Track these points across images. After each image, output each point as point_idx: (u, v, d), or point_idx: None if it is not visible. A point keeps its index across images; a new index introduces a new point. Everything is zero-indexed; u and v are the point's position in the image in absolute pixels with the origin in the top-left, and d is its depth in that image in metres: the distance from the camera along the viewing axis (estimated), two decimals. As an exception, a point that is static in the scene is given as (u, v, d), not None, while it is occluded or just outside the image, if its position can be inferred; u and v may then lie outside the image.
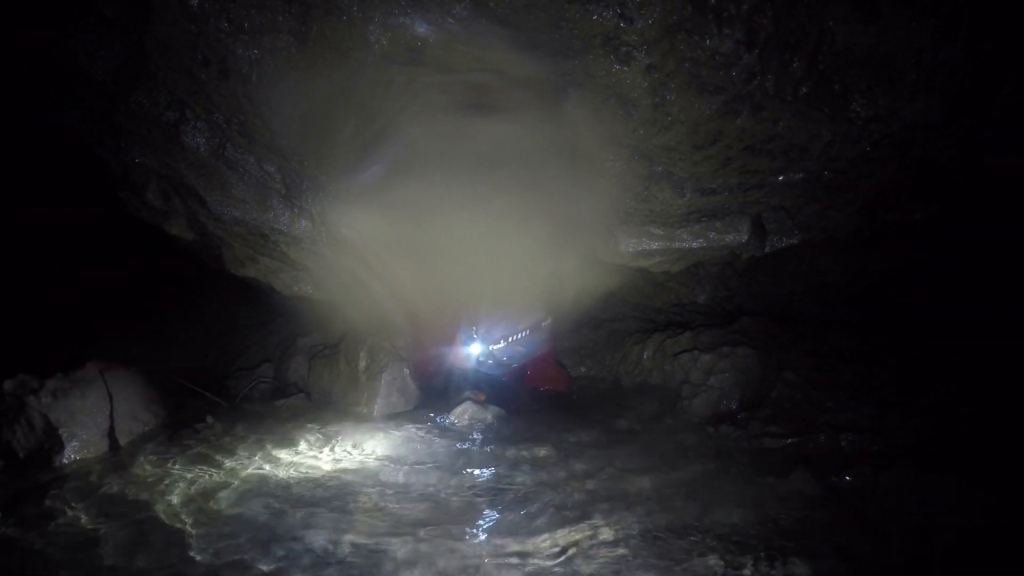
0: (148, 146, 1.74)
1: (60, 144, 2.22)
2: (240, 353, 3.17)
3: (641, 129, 1.47)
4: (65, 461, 1.83)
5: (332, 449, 1.95)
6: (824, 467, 1.61)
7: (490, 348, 2.74)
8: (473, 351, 2.77)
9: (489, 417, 2.44)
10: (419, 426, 2.27)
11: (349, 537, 1.38)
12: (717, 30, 1.31)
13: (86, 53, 1.72)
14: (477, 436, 2.21)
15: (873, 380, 1.97)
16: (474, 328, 2.73)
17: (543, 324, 2.75)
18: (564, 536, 1.38)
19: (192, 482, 1.68)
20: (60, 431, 1.87)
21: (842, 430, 1.79)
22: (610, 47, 1.33)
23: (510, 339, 2.71)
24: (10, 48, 1.79)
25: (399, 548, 1.33)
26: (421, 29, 1.35)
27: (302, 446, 1.98)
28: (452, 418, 2.42)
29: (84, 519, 1.47)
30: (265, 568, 1.27)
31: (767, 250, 1.91)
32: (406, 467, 1.78)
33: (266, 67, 1.46)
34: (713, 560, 1.25)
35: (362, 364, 2.45)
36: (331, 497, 1.60)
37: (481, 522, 1.46)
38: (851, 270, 2.43)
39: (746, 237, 1.81)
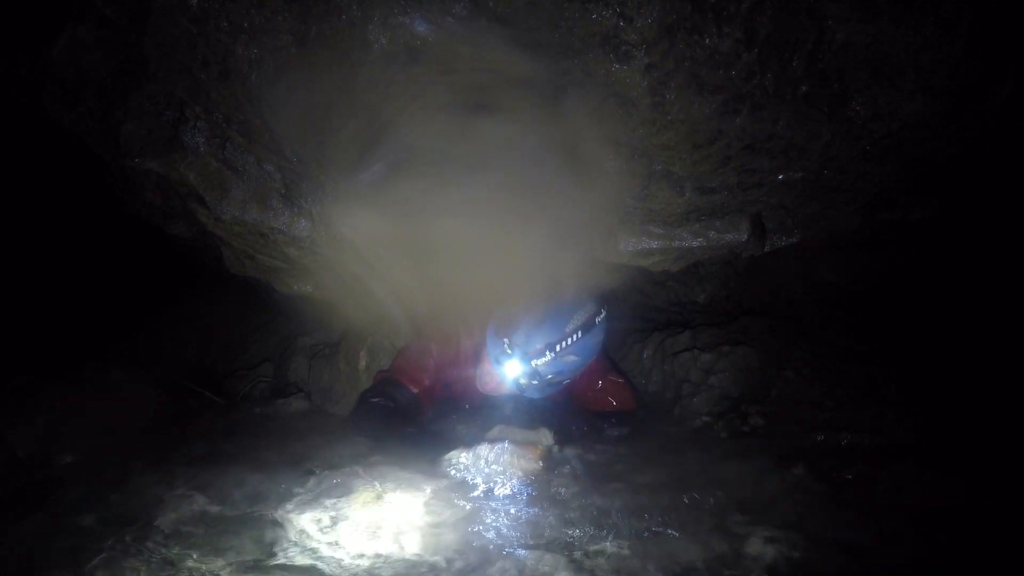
0: (147, 146, 1.74)
1: (60, 144, 2.22)
2: (240, 352, 3.17)
3: (640, 128, 1.47)
4: (66, 461, 1.83)
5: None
6: (824, 466, 1.61)
7: (533, 364, 1.94)
8: (510, 372, 1.98)
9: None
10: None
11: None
12: (716, 29, 1.30)
13: (86, 53, 1.72)
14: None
15: (873, 380, 1.97)
16: (506, 339, 1.96)
17: (597, 320, 1.98)
18: (564, 541, 1.38)
19: (190, 481, 1.68)
20: (60, 431, 1.87)
21: (842, 429, 1.79)
22: (609, 46, 1.33)
23: (558, 348, 1.92)
24: (10, 48, 1.79)
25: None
26: (421, 28, 1.35)
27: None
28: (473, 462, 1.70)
29: (84, 519, 1.47)
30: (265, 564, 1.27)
31: (767, 249, 1.91)
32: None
33: (266, 67, 1.46)
34: (712, 558, 1.25)
35: (362, 364, 2.45)
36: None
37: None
38: (851, 269, 2.43)
39: (746, 236, 1.81)
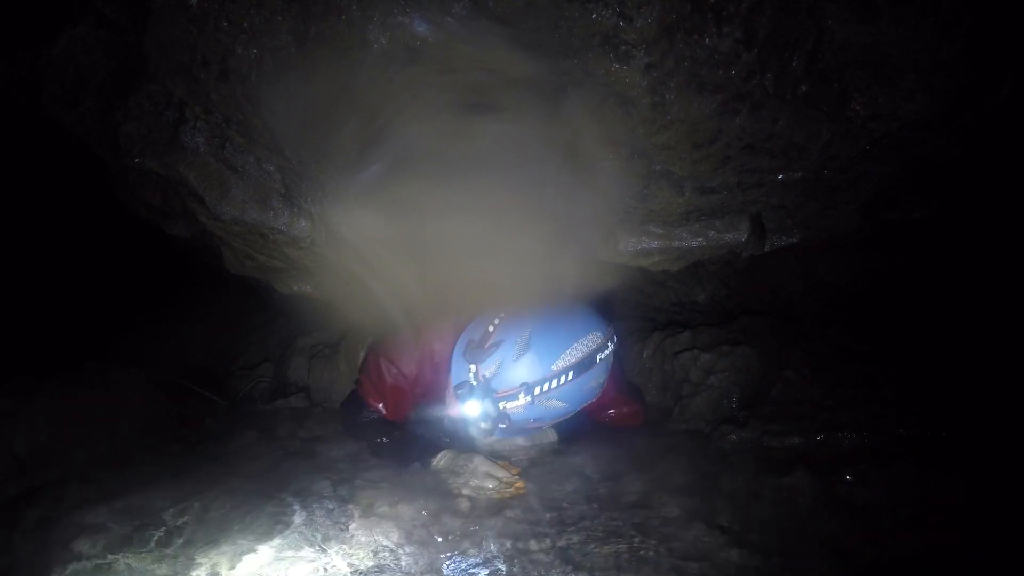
0: (147, 146, 1.74)
1: (60, 144, 2.22)
2: (240, 353, 3.17)
3: (640, 128, 1.47)
4: (65, 462, 1.83)
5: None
6: (824, 465, 1.61)
7: (501, 407, 1.59)
8: (470, 411, 1.65)
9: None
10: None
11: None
12: (716, 29, 1.30)
13: (86, 53, 1.72)
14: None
15: (873, 379, 1.97)
16: (473, 365, 1.64)
17: (599, 356, 1.62)
18: (556, 536, 1.37)
19: (190, 482, 1.68)
20: (60, 431, 1.87)
21: (842, 429, 1.79)
22: (609, 46, 1.33)
23: (538, 391, 1.56)
24: (10, 48, 1.79)
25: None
26: (420, 28, 1.35)
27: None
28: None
29: (84, 519, 1.47)
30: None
31: (767, 249, 1.91)
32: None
33: (265, 67, 1.46)
34: (712, 558, 1.24)
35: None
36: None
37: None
38: (851, 269, 2.43)
39: (746, 236, 1.80)
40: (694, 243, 1.82)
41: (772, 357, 2.13)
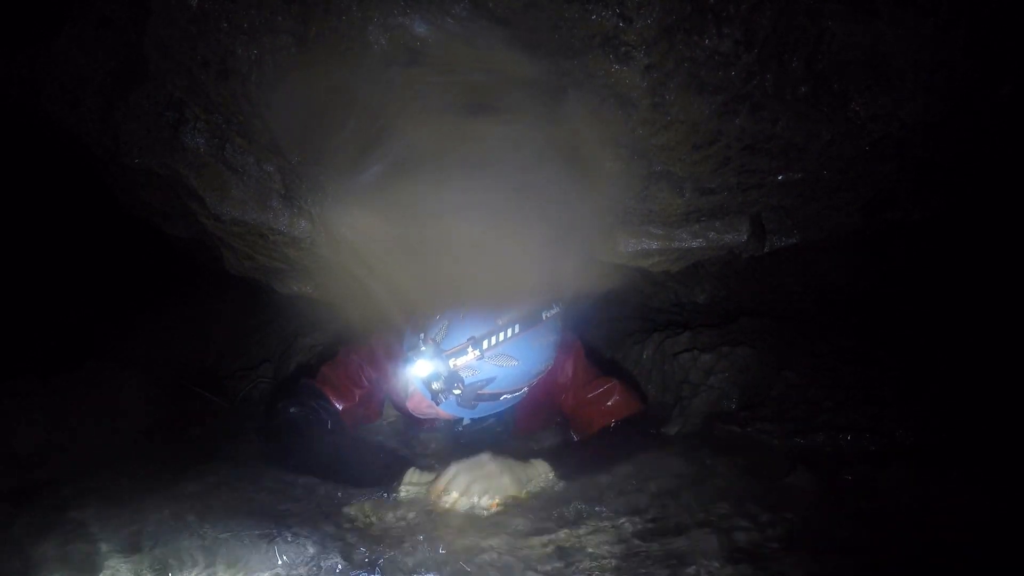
0: (147, 147, 1.74)
1: (60, 144, 2.22)
2: (240, 353, 3.17)
3: (640, 129, 1.47)
4: (66, 462, 1.84)
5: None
6: (824, 466, 1.61)
7: (451, 365, 1.56)
8: (418, 370, 1.61)
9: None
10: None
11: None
12: (716, 30, 1.30)
13: (86, 53, 1.72)
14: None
15: (872, 380, 1.97)
16: (422, 333, 1.64)
17: (545, 314, 1.66)
18: (557, 535, 1.37)
19: (189, 483, 1.69)
20: (60, 431, 1.87)
21: (842, 429, 1.79)
22: (609, 47, 1.33)
23: (486, 344, 1.56)
24: (10, 48, 1.79)
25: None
26: (420, 29, 1.35)
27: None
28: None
29: (83, 520, 1.47)
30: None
31: (766, 250, 1.91)
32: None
33: (265, 68, 1.46)
34: (712, 558, 1.24)
35: (362, 364, 2.45)
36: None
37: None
38: (851, 270, 2.43)
39: (745, 237, 1.81)
40: (694, 244, 1.82)
41: (772, 358, 2.13)
